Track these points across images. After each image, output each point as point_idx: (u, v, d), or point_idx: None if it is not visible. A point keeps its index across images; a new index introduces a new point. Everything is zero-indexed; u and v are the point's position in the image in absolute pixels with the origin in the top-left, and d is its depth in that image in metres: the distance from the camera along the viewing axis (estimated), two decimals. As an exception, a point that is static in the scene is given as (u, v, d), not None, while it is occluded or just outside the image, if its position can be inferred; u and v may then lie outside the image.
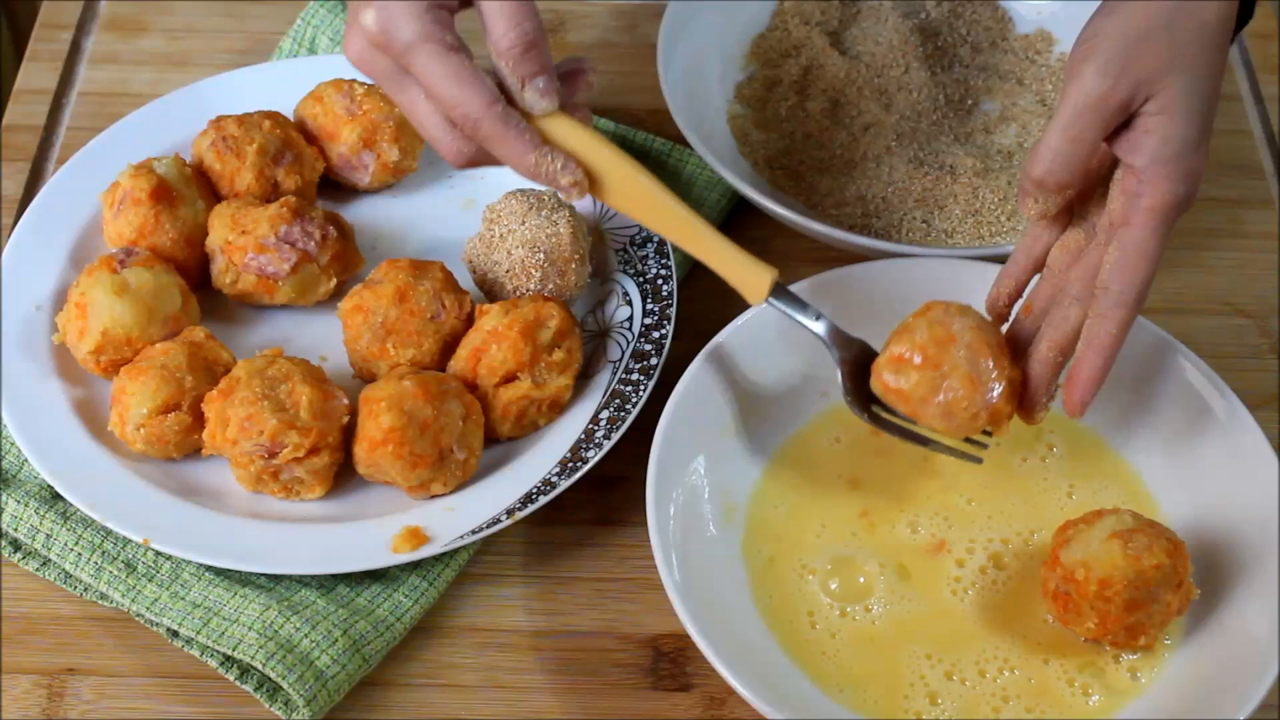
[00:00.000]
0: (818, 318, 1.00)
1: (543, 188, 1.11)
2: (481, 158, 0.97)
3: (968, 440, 0.99)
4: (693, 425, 1.00)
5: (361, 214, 1.17)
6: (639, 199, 0.99)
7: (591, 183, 0.98)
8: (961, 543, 1.00)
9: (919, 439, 1.00)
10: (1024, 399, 0.96)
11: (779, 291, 1.00)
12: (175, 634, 0.98)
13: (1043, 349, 0.96)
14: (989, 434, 0.97)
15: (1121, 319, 0.92)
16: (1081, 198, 0.97)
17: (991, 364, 0.94)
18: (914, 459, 1.03)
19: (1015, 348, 0.98)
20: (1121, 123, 0.92)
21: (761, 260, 1.00)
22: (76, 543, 1.00)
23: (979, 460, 1.00)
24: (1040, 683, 0.94)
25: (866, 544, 1.00)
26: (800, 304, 1.01)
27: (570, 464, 1.02)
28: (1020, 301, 1.00)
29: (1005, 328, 0.99)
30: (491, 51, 0.95)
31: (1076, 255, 0.96)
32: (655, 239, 1.12)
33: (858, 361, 1.00)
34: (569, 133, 0.97)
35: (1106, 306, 0.93)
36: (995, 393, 0.94)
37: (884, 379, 0.96)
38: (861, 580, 0.98)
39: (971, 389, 0.94)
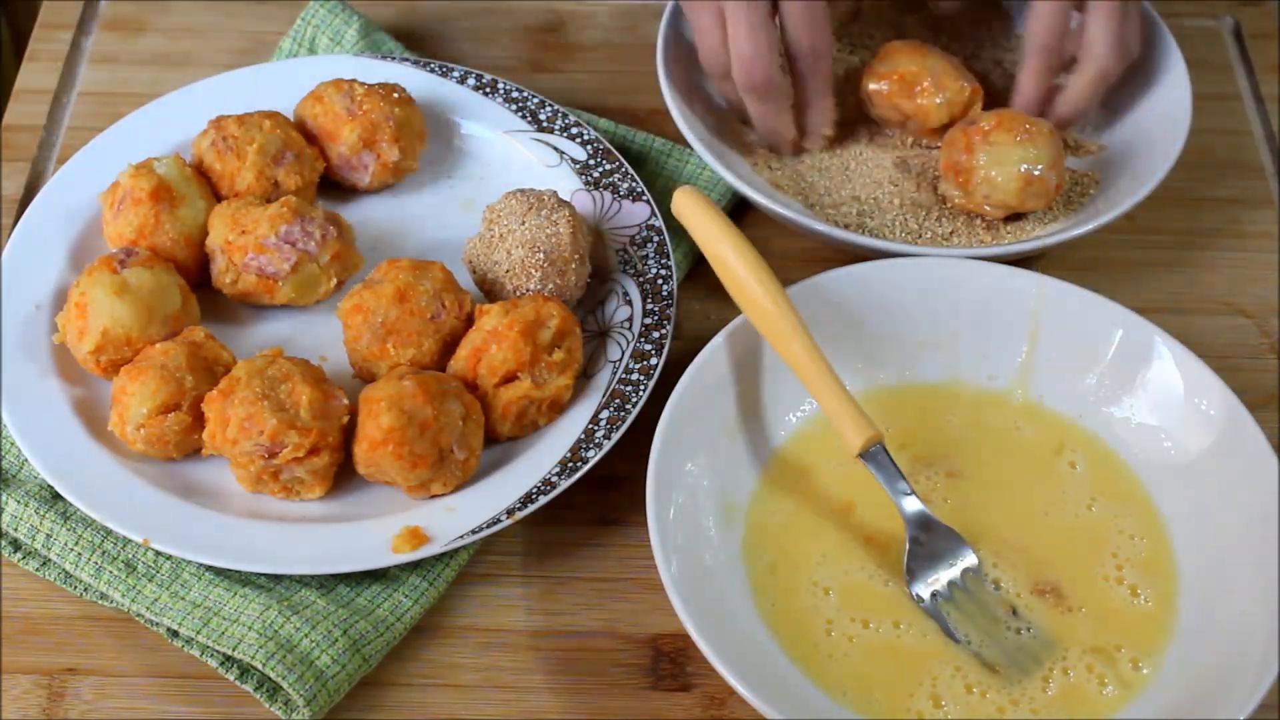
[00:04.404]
0: (909, 493, 0.98)
1: (542, 187, 1.11)
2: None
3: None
4: (693, 425, 1.00)
5: (361, 214, 1.17)
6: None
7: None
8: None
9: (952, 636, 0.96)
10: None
11: (877, 452, 0.98)
12: (175, 634, 0.98)
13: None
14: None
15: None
16: None
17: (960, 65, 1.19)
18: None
19: None
20: None
21: (867, 417, 0.98)
22: (76, 543, 1.00)
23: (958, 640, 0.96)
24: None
25: (876, 561, 0.99)
26: (895, 473, 0.98)
27: (570, 464, 1.02)
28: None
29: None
30: (787, 46, 1.13)
31: None
32: (655, 239, 1.12)
33: (929, 547, 0.97)
34: None
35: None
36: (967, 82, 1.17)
37: (871, 85, 1.18)
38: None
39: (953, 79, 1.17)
